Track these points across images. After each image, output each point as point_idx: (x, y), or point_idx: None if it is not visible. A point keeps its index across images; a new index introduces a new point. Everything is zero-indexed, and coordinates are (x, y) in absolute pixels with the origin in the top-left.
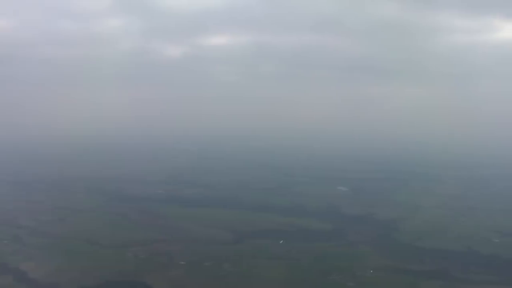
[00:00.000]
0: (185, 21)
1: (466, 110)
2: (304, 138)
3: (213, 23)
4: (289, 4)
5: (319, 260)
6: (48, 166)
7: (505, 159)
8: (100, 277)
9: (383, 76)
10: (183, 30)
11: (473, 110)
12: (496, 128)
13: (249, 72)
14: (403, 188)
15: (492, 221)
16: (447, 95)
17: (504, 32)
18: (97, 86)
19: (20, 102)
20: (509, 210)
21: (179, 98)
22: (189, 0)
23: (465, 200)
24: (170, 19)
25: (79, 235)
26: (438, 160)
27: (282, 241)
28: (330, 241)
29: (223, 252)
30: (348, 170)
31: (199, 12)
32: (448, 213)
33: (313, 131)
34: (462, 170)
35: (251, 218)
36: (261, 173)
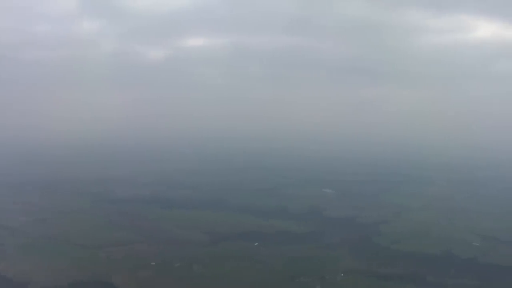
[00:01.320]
0: (158, 23)
1: (457, 112)
2: (296, 140)
3: (186, 24)
4: (255, 4)
5: (290, 263)
6: (38, 168)
7: (498, 161)
8: (70, 277)
9: (369, 77)
10: (159, 32)
11: (464, 111)
12: (489, 130)
13: (235, 73)
14: (392, 191)
15: (477, 224)
16: (437, 97)
17: (479, 31)
18: (85, 88)
19: (5, 102)
20: (496, 213)
21: (166, 99)
22: (154, 2)
23: (453, 203)
24: (142, 21)
25: (58, 236)
26: (431, 162)
27: (257, 243)
28: (306, 244)
29: (196, 253)
30: (338, 172)
31: (168, 14)
32: (433, 216)
33: (305, 132)
34: (454, 172)
35: (232, 220)
36: (251, 174)
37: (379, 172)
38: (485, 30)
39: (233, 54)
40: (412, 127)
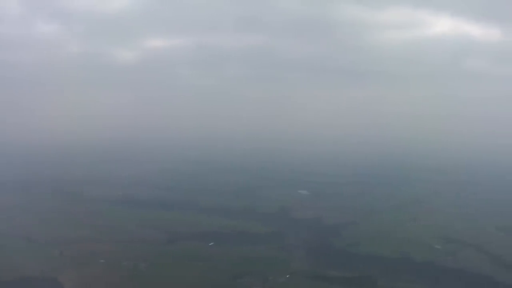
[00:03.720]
0: (110, 25)
1: (438, 113)
2: (279, 141)
3: (139, 25)
4: (198, 4)
5: (239, 263)
6: (17, 168)
7: (483, 162)
8: (19, 273)
9: (345, 77)
10: (117, 34)
11: (444, 112)
12: (471, 130)
13: (211, 73)
14: (369, 192)
15: (445, 226)
16: (416, 97)
17: (438, 27)
18: (60, 89)
19: None
20: (467, 215)
21: (148, 101)
22: (97, 2)
23: (426, 205)
24: (95, 22)
25: (20, 233)
26: (415, 164)
27: (212, 243)
28: (263, 245)
29: (149, 252)
30: (319, 174)
31: (114, 15)
32: (401, 218)
33: (287, 133)
34: (436, 174)
35: (197, 220)
36: (230, 175)
37: (360, 173)
38: (442, 26)
39: (201, 54)
40: (395, 128)
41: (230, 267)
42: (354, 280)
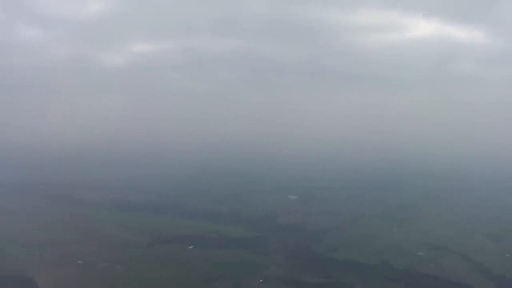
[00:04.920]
0: (93, 30)
1: (428, 117)
2: (276, 146)
3: (121, 30)
4: (179, 8)
5: (215, 266)
6: (12, 171)
7: (479, 169)
8: None
9: (336, 81)
10: (102, 38)
11: (437, 116)
12: (469, 136)
13: (204, 77)
14: (360, 198)
15: (430, 233)
16: (403, 100)
17: (421, 29)
18: (53, 95)
19: None
20: (456, 221)
21: (144, 105)
22: (73, 7)
23: (416, 211)
24: (76, 27)
25: (4, 235)
26: (411, 169)
27: (192, 246)
28: (243, 249)
29: (127, 255)
30: (311, 179)
31: (95, 19)
32: (387, 224)
33: (285, 138)
34: (431, 179)
35: (181, 224)
36: (222, 180)
37: (354, 178)
38: (426, 28)
39: (188, 58)
40: (388, 132)
41: (205, 270)
42: (329, 286)
